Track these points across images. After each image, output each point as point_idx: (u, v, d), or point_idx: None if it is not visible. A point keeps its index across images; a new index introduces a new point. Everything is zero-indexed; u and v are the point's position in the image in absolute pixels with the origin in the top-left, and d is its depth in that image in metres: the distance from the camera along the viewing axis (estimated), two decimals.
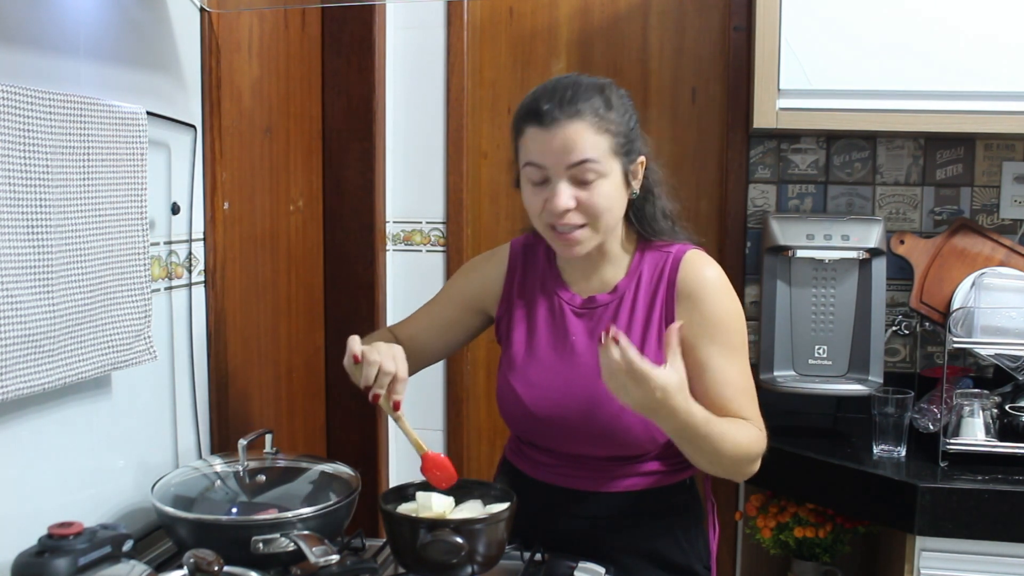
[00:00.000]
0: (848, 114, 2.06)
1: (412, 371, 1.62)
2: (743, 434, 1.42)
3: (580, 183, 1.40)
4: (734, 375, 1.46)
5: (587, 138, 1.38)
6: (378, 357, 1.37)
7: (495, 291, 1.63)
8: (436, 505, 1.39)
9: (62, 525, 1.17)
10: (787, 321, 2.18)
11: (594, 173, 1.40)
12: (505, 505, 1.39)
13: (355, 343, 1.39)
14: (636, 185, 1.48)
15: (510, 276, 1.62)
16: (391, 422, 2.53)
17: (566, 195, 1.40)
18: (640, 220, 1.53)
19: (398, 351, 1.40)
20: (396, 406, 1.38)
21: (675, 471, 1.55)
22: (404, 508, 1.41)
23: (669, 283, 1.49)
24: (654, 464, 1.53)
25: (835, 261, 2.15)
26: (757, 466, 1.46)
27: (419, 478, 1.47)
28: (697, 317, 1.46)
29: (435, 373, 2.56)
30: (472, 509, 1.41)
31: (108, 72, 1.47)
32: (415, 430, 1.43)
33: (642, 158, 1.48)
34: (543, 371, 1.53)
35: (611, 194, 1.42)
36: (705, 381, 1.45)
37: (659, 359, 1.47)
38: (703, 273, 1.49)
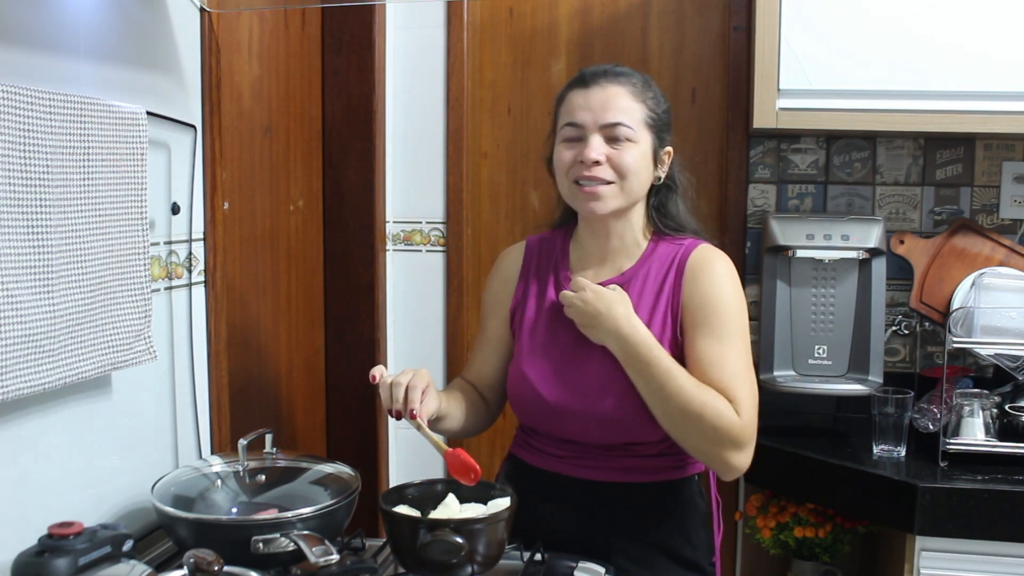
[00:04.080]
0: (848, 114, 2.06)
1: (496, 401, 1.68)
2: (712, 401, 1.41)
3: (612, 142, 1.48)
4: (729, 357, 1.46)
5: (624, 101, 1.49)
6: (390, 377, 1.42)
7: (513, 287, 1.65)
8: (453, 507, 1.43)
9: (62, 525, 1.18)
10: (787, 321, 2.18)
11: (626, 136, 1.48)
12: (505, 505, 1.39)
13: (378, 368, 1.45)
14: (662, 171, 1.56)
15: (525, 269, 1.65)
16: (391, 420, 2.53)
17: (598, 148, 1.48)
18: (664, 213, 1.59)
19: (421, 369, 1.44)
20: (411, 415, 1.40)
21: (682, 466, 1.57)
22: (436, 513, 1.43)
23: (678, 270, 1.53)
24: (662, 460, 1.54)
25: (835, 261, 2.16)
26: (739, 456, 1.43)
27: (419, 478, 1.47)
28: (698, 299, 1.50)
29: (435, 374, 2.56)
30: (472, 509, 1.42)
31: (108, 72, 1.47)
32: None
33: (670, 148, 1.56)
34: (553, 356, 1.55)
35: (639, 160, 1.50)
36: (701, 361, 1.46)
37: (663, 341, 1.48)
38: (712, 262, 1.53)
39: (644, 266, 1.55)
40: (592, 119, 1.49)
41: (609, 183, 1.49)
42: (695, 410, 1.40)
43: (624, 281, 1.55)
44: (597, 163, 1.47)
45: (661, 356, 1.43)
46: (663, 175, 1.56)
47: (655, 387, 1.42)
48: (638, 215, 1.57)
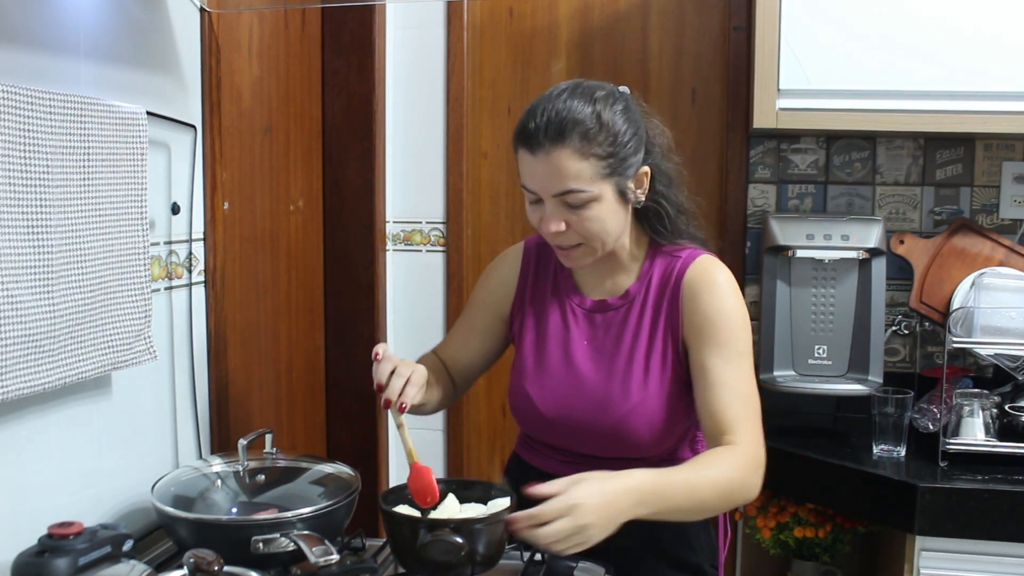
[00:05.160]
0: (848, 114, 2.06)
1: (463, 386, 1.66)
2: (723, 472, 1.34)
3: (570, 207, 1.40)
4: (732, 378, 1.42)
5: (571, 166, 1.37)
6: (396, 359, 1.39)
7: (510, 291, 1.63)
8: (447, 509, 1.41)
9: (62, 525, 1.18)
10: (787, 321, 2.18)
11: (581, 199, 1.39)
12: (505, 504, 1.39)
13: (381, 345, 1.41)
14: (640, 194, 1.47)
15: (523, 275, 1.63)
16: (391, 420, 2.53)
17: (555, 220, 1.41)
18: (652, 223, 1.52)
19: (419, 366, 1.41)
20: (401, 408, 1.38)
21: None
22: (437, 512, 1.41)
23: (675, 286, 1.49)
24: (663, 464, 1.52)
25: (835, 261, 2.15)
26: (755, 488, 1.38)
27: None
28: (700, 318, 1.46)
29: None
30: (472, 509, 1.41)
31: (108, 72, 1.47)
32: (415, 430, 1.43)
33: (645, 168, 1.46)
34: (554, 375, 1.53)
35: (602, 216, 1.41)
36: (701, 384, 1.44)
37: (664, 363, 1.47)
38: (711, 275, 1.48)
39: (644, 282, 1.52)
40: (543, 189, 1.40)
41: (579, 244, 1.44)
42: (721, 500, 1.35)
43: (626, 303, 1.52)
44: (559, 232, 1.42)
45: (676, 486, 1.30)
46: (644, 197, 1.47)
47: (686, 511, 1.34)
48: (626, 235, 1.51)
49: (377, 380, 1.38)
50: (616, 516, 1.22)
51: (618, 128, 1.40)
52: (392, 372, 1.38)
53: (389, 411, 1.40)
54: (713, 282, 1.47)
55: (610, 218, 1.42)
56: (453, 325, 1.72)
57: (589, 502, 1.19)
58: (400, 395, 1.38)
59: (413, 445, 1.41)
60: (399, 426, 1.40)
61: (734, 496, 1.36)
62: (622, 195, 1.43)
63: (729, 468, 1.35)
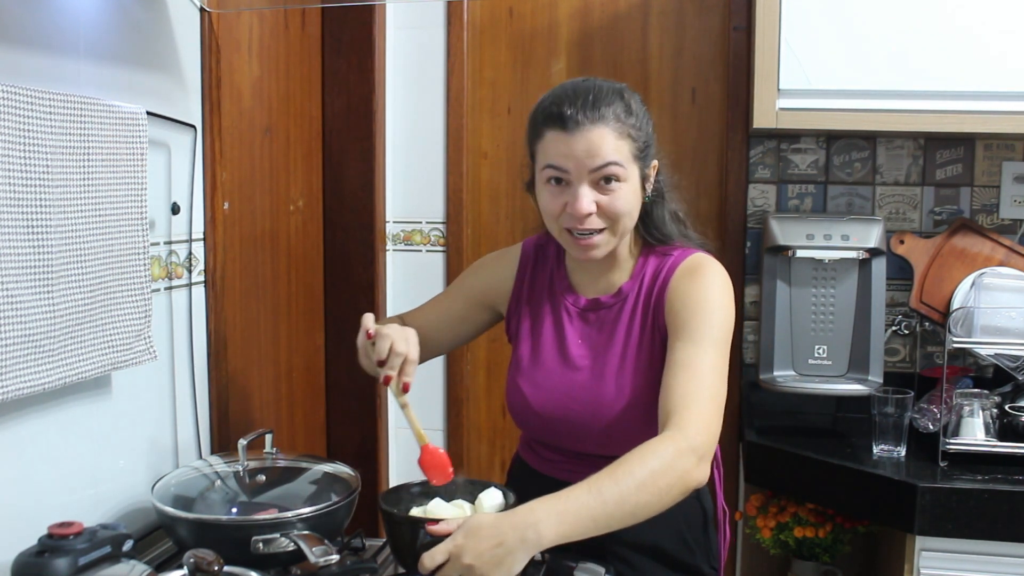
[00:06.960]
0: (848, 114, 2.06)
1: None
2: (644, 464, 1.25)
3: (601, 187, 1.41)
4: (694, 360, 1.37)
5: (610, 142, 1.39)
6: (391, 334, 1.39)
7: (506, 290, 1.64)
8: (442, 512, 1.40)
9: (62, 525, 1.18)
10: (787, 321, 2.18)
11: (615, 177, 1.40)
12: (503, 506, 1.39)
13: (369, 319, 1.42)
14: (649, 189, 1.49)
15: (520, 276, 1.63)
16: (391, 420, 2.54)
17: (588, 199, 1.40)
18: (648, 224, 1.53)
19: (411, 333, 1.42)
20: (406, 388, 1.39)
21: None
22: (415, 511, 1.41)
23: (664, 281, 1.49)
24: None
25: (835, 261, 2.15)
26: (698, 471, 1.30)
27: (419, 477, 1.47)
28: (678, 304, 1.45)
29: (435, 373, 2.56)
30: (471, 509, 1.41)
31: (108, 72, 1.47)
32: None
33: (655, 162, 1.50)
34: (548, 373, 1.54)
35: (630, 198, 1.43)
36: (673, 363, 1.39)
37: (656, 359, 1.46)
38: (698, 267, 1.48)
39: (636, 280, 1.53)
40: (578, 167, 1.39)
41: (603, 229, 1.43)
42: (649, 494, 1.25)
43: (619, 301, 1.53)
44: (590, 214, 1.41)
45: (581, 501, 1.23)
46: (651, 191, 1.50)
47: (611, 517, 1.24)
48: (629, 233, 1.52)
49: (377, 356, 1.39)
50: (504, 555, 1.19)
51: (642, 116, 1.45)
52: (390, 349, 1.38)
53: (390, 389, 1.40)
54: (698, 272, 1.47)
55: (633, 202, 1.45)
56: (424, 306, 1.70)
57: (468, 544, 1.19)
58: (402, 373, 1.38)
59: (420, 426, 1.42)
60: (403, 406, 1.41)
61: (661, 485, 1.26)
62: (643, 182, 1.47)
63: (651, 458, 1.27)
